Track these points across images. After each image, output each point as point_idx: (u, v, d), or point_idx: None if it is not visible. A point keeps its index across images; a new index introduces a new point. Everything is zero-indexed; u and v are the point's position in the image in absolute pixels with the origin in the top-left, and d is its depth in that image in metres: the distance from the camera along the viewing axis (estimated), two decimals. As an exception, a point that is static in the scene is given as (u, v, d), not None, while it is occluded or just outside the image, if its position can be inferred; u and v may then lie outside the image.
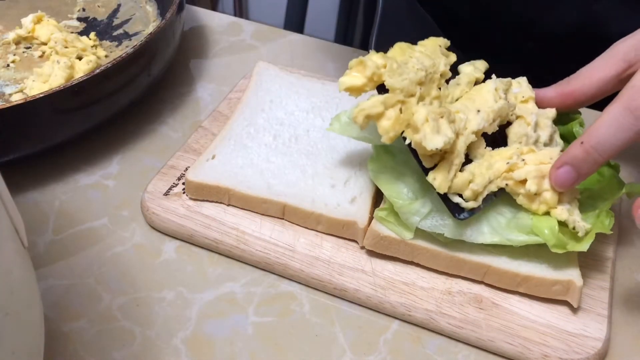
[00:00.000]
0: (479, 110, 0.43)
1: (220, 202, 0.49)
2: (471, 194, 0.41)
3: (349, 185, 0.48)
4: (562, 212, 0.41)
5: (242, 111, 0.55)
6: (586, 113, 0.52)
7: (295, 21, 1.31)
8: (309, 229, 0.47)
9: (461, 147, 0.41)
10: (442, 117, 0.40)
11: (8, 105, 0.46)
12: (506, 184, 0.42)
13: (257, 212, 0.48)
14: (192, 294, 0.45)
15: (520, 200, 0.42)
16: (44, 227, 0.49)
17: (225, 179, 0.48)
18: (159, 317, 0.43)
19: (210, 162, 0.50)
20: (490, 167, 0.42)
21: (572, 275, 0.41)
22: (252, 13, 1.93)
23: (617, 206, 0.49)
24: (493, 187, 0.42)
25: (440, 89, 0.43)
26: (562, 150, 0.46)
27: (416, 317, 0.42)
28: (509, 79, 0.47)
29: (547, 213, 0.41)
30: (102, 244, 0.48)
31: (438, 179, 0.41)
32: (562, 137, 0.47)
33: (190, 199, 0.49)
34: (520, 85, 0.47)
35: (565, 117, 0.48)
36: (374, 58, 0.42)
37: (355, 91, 0.42)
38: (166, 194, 0.49)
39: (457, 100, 0.44)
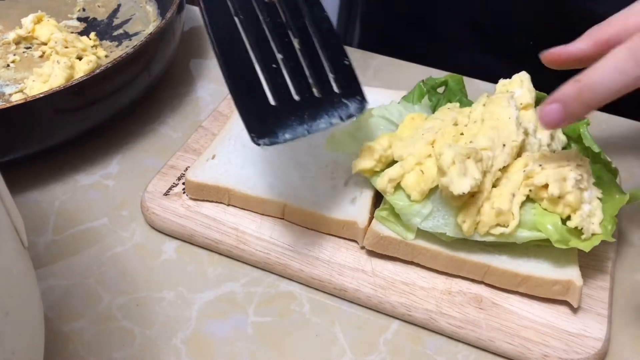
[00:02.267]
0: (504, 145, 0.43)
1: (220, 202, 0.49)
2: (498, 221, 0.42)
3: (349, 185, 0.48)
4: (579, 218, 0.41)
5: None
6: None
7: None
8: (309, 229, 0.47)
9: (488, 185, 0.42)
10: (469, 157, 0.40)
11: (8, 105, 0.46)
12: (529, 190, 0.42)
13: (257, 212, 0.48)
14: (192, 294, 0.45)
15: (545, 205, 0.41)
16: (44, 227, 0.49)
17: (225, 179, 0.48)
18: (159, 317, 0.43)
19: (210, 162, 0.50)
20: (508, 181, 0.42)
21: (572, 275, 0.41)
22: (252, 13, 1.93)
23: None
24: (519, 198, 0.42)
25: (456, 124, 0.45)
26: (563, 148, 0.46)
27: (416, 317, 0.42)
28: (513, 84, 0.47)
29: (569, 217, 0.41)
30: (102, 244, 0.48)
31: (467, 222, 0.41)
32: (567, 134, 0.47)
33: (190, 199, 0.49)
34: (522, 85, 0.47)
35: None
36: (382, 141, 0.45)
37: (368, 172, 0.45)
38: (166, 194, 0.49)
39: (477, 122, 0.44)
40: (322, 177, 0.49)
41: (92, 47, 0.62)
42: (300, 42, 0.42)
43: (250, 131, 0.38)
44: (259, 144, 0.38)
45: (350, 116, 0.41)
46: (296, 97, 0.40)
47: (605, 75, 0.36)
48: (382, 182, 0.44)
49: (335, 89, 0.42)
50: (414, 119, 0.47)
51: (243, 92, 0.39)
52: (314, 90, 0.41)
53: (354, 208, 0.46)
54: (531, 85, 0.47)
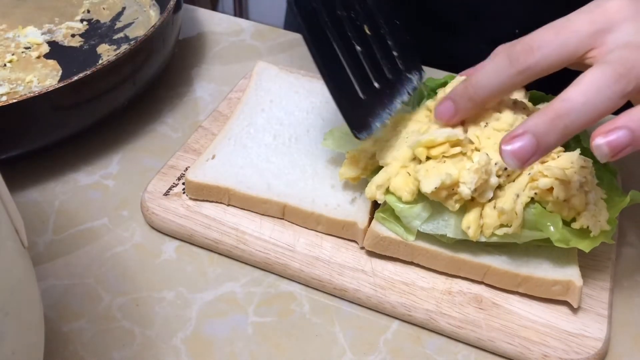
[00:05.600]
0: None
1: (220, 202, 0.49)
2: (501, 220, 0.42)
3: (349, 186, 0.48)
4: (586, 219, 0.41)
5: (241, 111, 0.55)
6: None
7: (295, 21, 1.31)
8: (309, 229, 0.47)
9: (486, 187, 0.42)
10: (443, 161, 0.42)
11: (3, 103, 0.46)
12: (535, 193, 0.42)
13: (257, 212, 0.48)
14: (192, 294, 0.45)
15: (550, 207, 0.41)
16: (44, 227, 0.49)
17: (225, 179, 0.48)
18: (159, 317, 0.43)
19: (210, 162, 0.50)
20: (513, 184, 0.42)
21: (572, 275, 0.41)
22: (252, 13, 1.94)
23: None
24: (523, 199, 0.42)
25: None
26: (564, 146, 0.46)
27: (416, 317, 0.42)
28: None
29: (574, 219, 0.41)
30: (102, 243, 0.48)
31: (472, 228, 0.41)
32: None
33: (190, 199, 0.49)
34: None
35: None
36: (366, 147, 0.46)
37: (355, 180, 0.46)
38: (166, 194, 0.49)
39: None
40: (322, 177, 0.49)
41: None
42: (369, 27, 0.45)
43: (352, 128, 0.42)
44: (359, 138, 0.43)
45: (414, 89, 0.47)
46: (376, 85, 0.44)
47: (485, 75, 0.40)
48: (370, 190, 0.44)
49: (400, 65, 0.46)
50: (397, 122, 0.47)
51: (342, 94, 0.43)
52: (387, 73, 0.45)
53: (354, 208, 0.46)
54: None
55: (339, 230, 0.46)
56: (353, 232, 0.46)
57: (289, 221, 0.47)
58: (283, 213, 0.47)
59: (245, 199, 0.48)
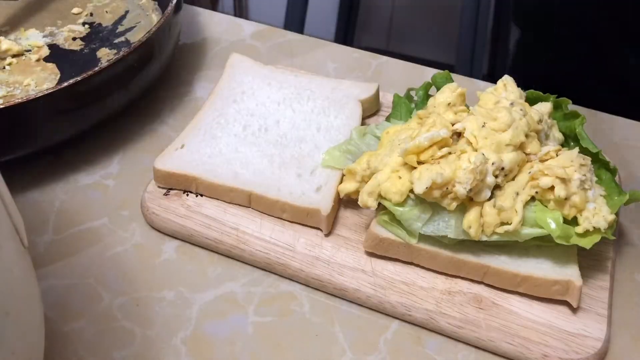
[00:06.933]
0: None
1: (189, 191, 0.49)
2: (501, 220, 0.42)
3: (315, 175, 0.49)
4: (587, 222, 0.41)
5: (213, 102, 0.55)
6: (588, 113, 0.52)
7: (295, 21, 1.31)
8: (274, 217, 0.47)
9: (488, 186, 0.42)
10: (437, 162, 0.42)
11: (5, 105, 0.46)
12: (536, 192, 0.42)
13: (224, 201, 0.49)
14: (192, 294, 0.45)
15: (552, 206, 0.42)
16: (44, 227, 0.49)
17: (192, 167, 0.49)
18: (159, 317, 0.43)
19: (179, 151, 0.51)
20: (513, 182, 0.42)
21: (572, 275, 0.41)
22: (252, 13, 1.93)
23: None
24: (523, 197, 0.42)
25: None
26: (562, 145, 0.46)
27: (416, 317, 0.42)
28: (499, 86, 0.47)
29: (575, 218, 0.41)
30: (102, 243, 0.48)
31: (473, 227, 0.41)
32: (563, 133, 0.47)
33: (159, 187, 0.49)
34: (506, 89, 0.47)
35: (567, 115, 0.48)
36: (361, 162, 0.46)
37: (355, 194, 0.46)
38: (166, 194, 0.49)
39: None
40: (289, 166, 0.49)
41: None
42: None
43: None
44: None
45: None
46: None
47: None
48: (362, 199, 0.44)
49: None
50: (389, 133, 0.48)
51: None
52: None
53: (319, 196, 0.47)
54: (515, 87, 0.47)
55: (304, 217, 0.46)
56: (317, 220, 0.46)
57: (255, 209, 0.48)
58: (249, 201, 0.48)
59: (212, 188, 0.48)
